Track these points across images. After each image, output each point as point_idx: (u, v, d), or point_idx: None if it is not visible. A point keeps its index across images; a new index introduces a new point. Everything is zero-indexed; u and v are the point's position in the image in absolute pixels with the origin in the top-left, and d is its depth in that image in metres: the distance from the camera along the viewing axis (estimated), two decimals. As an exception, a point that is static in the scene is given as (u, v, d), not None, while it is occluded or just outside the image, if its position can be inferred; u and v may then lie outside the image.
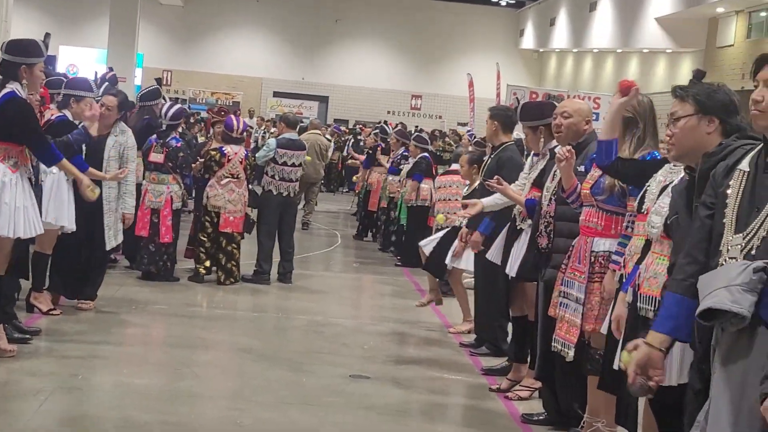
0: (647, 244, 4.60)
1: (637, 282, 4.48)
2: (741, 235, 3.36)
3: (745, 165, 3.50)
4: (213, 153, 10.67)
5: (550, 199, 6.26)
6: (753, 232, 3.33)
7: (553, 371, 6.08)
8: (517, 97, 9.80)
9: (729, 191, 3.47)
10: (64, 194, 7.92)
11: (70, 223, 8.00)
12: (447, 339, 8.92)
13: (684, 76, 27.20)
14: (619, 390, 4.84)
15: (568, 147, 5.80)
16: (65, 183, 7.93)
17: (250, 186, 10.88)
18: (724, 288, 3.20)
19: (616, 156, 5.21)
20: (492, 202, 7.42)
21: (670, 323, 3.54)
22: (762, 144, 3.48)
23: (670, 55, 29.04)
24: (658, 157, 5.09)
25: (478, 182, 9.18)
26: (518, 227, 7.00)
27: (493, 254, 7.48)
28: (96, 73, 10.51)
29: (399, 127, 18.71)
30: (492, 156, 8.29)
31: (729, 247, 3.39)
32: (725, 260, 3.39)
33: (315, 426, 6.11)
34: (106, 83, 10.73)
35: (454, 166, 11.54)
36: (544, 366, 6.23)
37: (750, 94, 4.03)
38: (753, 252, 3.31)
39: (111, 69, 12.37)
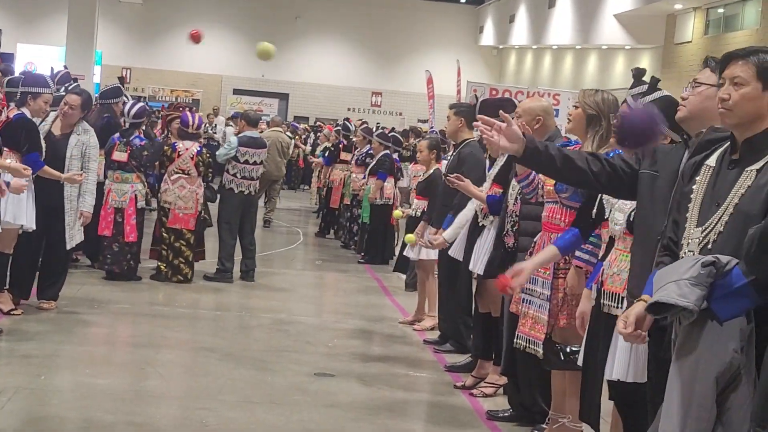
0: (610, 241, 4.64)
1: (601, 279, 4.51)
2: (700, 228, 3.42)
3: (712, 161, 3.56)
4: (166, 148, 10.63)
5: (516, 198, 6.29)
6: (711, 227, 3.39)
7: (517, 367, 6.11)
8: (475, 94, 9.83)
9: (695, 186, 3.53)
10: (23, 193, 7.84)
11: (29, 222, 7.93)
12: (411, 336, 8.94)
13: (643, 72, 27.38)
14: (584, 385, 4.86)
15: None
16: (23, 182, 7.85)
17: (210, 183, 10.81)
18: (674, 282, 3.25)
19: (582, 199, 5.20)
20: (453, 233, 7.50)
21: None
22: (729, 141, 3.53)
23: (628, 52, 29.24)
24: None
25: (434, 168, 9.26)
26: (480, 224, 7.02)
27: (456, 251, 7.51)
28: (52, 69, 10.35)
29: (364, 124, 18.71)
30: (453, 153, 8.33)
31: (689, 241, 3.45)
32: (684, 253, 3.45)
33: (281, 424, 6.10)
34: (76, 83, 10.63)
35: None
36: (508, 362, 6.26)
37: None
38: (709, 246, 3.37)
39: (65, 67, 12.22)
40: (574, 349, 5.20)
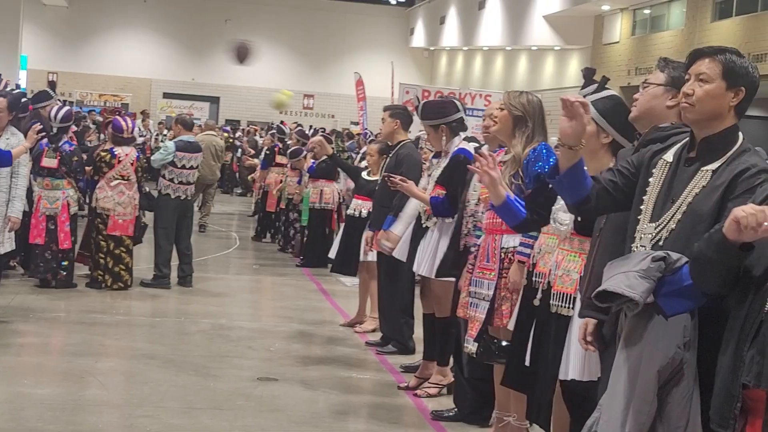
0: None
1: (548, 279, 4.53)
2: (654, 224, 3.45)
3: (669, 156, 3.58)
4: (103, 154, 10.45)
5: (479, 199, 6.28)
6: (664, 223, 3.42)
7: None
8: (417, 96, 9.87)
9: (651, 179, 3.56)
10: None
11: None
12: (352, 338, 8.92)
13: (572, 73, 27.73)
14: (527, 386, 4.88)
15: (484, 154, 5.68)
16: None
17: (144, 189, 10.69)
18: (622, 273, 3.29)
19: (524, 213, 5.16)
20: (403, 227, 7.49)
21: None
22: (688, 137, 3.56)
23: (558, 53, 29.56)
24: (551, 150, 5.13)
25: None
26: (424, 225, 7.02)
27: (400, 252, 7.51)
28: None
29: (299, 127, 18.65)
30: (391, 155, 8.34)
31: (641, 235, 3.48)
32: (636, 247, 3.48)
33: (225, 430, 6.05)
34: (12, 88, 10.43)
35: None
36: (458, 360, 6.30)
37: (635, 90, 4.17)
38: (661, 243, 3.40)
39: None
40: (505, 343, 5.26)
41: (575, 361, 4.28)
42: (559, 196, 4.12)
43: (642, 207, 3.53)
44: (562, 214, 4.54)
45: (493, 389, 5.76)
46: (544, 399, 4.58)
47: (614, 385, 3.39)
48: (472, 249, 5.81)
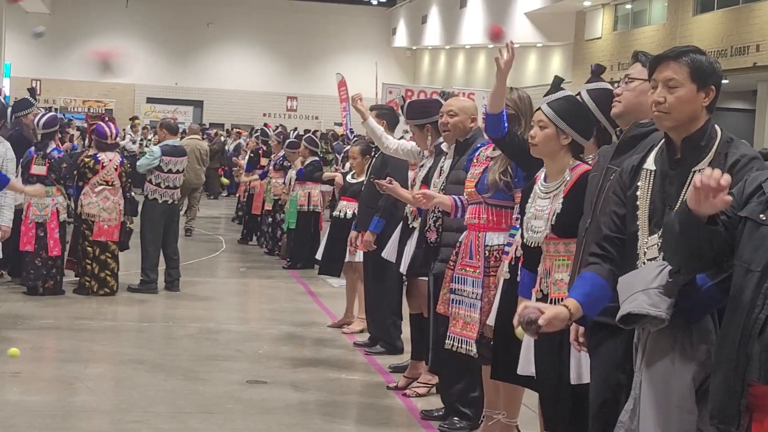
0: (530, 251, 4.62)
1: (540, 287, 4.46)
2: (656, 235, 3.40)
3: (650, 164, 3.54)
4: (87, 160, 10.45)
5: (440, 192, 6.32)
6: None
7: (446, 364, 6.14)
8: (402, 96, 9.91)
9: (638, 193, 3.51)
10: None
11: None
12: (341, 339, 8.94)
13: (555, 70, 27.79)
14: (515, 378, 4.87)
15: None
16: None
17: (128, 194, 10.68)
18: (642, 291, 3.23)
19: (506, 128, 5.24)
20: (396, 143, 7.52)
21: (584, 298, 3.50)
22: (663, 141, 3.53)
23: (540, 49, 29.63)
24: None
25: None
26: (411, 226, 7.05)
27: (388, 252, 7.53)
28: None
29: (280, 129, 18.66)
30: (377, 155, 8.37)
31: (645, 249, 3.43)
32: (644, 263, 3.43)
33: (216, 434, 6.08)
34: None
35: None
36: (436, 359, 6.31)
37: (617, 84, 4.17)
38: None
39: None
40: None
41: (585, 365, 4.11)
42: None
43: (638, 223, 3.48)
44: (534, 222, 4.51)
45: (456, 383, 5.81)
46: (561, 408, 4.41)
47: (644, 405, 3.33)
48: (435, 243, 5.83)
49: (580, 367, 4.18)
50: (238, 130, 29.13)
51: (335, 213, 9.63)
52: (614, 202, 3.64)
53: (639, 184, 3.52)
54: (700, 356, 3.22)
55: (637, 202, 3.50)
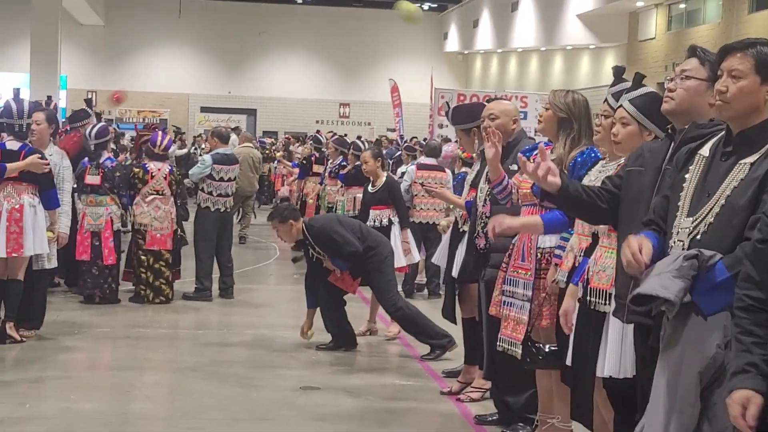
0: (594, 238, 4.63)
1: (587, 276, 4.50)
2: (691, 218, 3.42)
3: (705, 150, 3.56)
4: (136, 170, 10.57)
5: (485, 200, 6.29)
6: (702, 217, 3.38)
7: (502, 370, 6.10)
8: (446, 101, 9.90)
9: (687, 175, 3.53)
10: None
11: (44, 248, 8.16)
12: (394, 345, 8.93)
13: (608, 71, 27.57)
14: (574, 383, 4.85)
15: (493, 129, 5.70)
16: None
17: (178, 202, 10.77)
18: (656, 276, 3.27)
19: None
20: None
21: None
22: (724, 131, 3.52)
23: (593, 51, 29.42)
24: (599, 156, 5.09)
25: (385, 176, 9.53)
26: (461, 230, 7.03)
27: (438, 257, 7.52)
28: (17, 91, 9.78)
29: (336, 136, 18.68)
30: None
31: (679, 230, 3.45)
32: (674, 242, 3.45)
33: (270, 440, 6.10)
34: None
35: (428, 160, 11.65)
36: (490, 365, 6.27)
37: (668, 80, 4.10)
38: (699, 237, 3.36)
39: (49, 98, 12.20)
40: (553, 348, 5.18)
41: (611, 358, 4.26)
42: None
43: (679, 203, 3.50)
44: None
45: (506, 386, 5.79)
46: (586, 397, 4.53)
47: (657, 387, 3.37)
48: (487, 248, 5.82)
49: (605, 360, 4.26)
50: (287, 137, 29.19)
51: (369, 223, 9.57)
52: (668, 187, 3.67)
53: (690, 167, 3.54)
54: (710, 351, 3.20)
55: (684, 184, 3.52)
